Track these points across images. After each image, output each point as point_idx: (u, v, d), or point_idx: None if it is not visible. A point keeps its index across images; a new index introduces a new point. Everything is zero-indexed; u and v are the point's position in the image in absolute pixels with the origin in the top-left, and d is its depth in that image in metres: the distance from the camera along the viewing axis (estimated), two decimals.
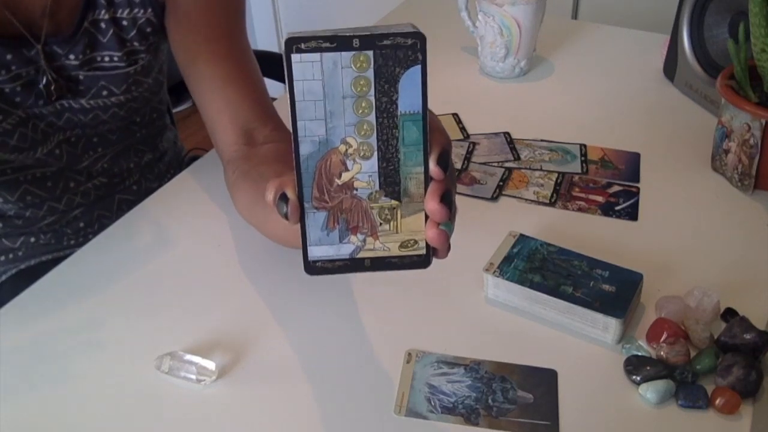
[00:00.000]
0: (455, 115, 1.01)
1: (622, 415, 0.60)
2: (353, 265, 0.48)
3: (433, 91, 1.16)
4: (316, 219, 0.47)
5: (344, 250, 0.48)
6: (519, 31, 1.06)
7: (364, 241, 0.48)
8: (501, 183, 0.87)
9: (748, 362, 0.60)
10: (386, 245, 0.48)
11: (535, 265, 0.69)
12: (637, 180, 0.88)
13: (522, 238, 0.73)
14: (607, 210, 0.83)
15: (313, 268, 0.48)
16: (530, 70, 1.14)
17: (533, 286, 0.67)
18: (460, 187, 0.86)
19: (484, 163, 0.91)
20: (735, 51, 0.83)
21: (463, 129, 0.98)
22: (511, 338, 0.67)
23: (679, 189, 0.86)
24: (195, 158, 0.98)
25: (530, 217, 0.82)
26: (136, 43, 0.82)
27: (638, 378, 0.61)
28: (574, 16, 1.97)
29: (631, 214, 0.82)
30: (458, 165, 0.90)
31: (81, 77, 0.81)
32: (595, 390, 0.62)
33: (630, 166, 0.91)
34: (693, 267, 0.74)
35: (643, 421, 0.59)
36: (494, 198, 0.85)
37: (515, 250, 0.71)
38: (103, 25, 0.80)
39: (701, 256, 0.76)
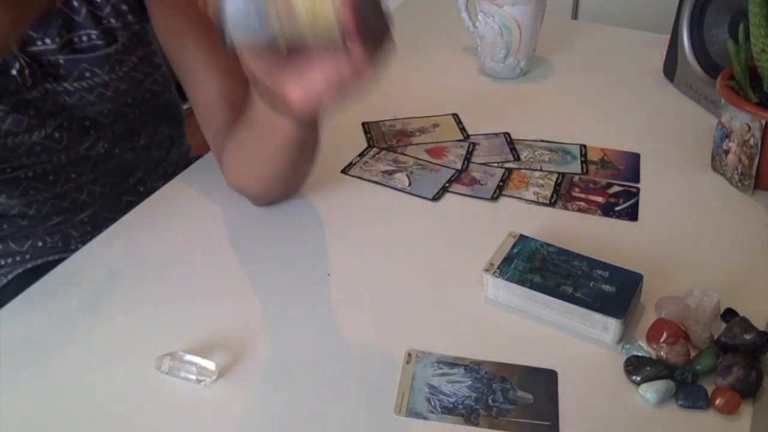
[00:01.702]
0: (455, 115, 1.02)
1: (622, 415, 0.60)
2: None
3: (433, 91, 1.17)
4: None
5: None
6: (519, 31, 1.06)
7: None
8: (501, 183, 0.87)
9: (748, 362, 0.60)
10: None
11: (535, 266, 0.69)
12: (637, 180, 0.88)
13: (522, 239, 0.73)
14: (607, 210, 0.83)
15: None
16: (530, 71, 1.14)
17: (533, 286, 0.67)
18: (460, 188, 0.87)
19: (484, 164, 0.91)
20: (735, 51, 0.83)
21: (463, 129, 0.98)
22: (511, 338, 0.67)
23: (679, 189, 0.86)
24: (197, 157, 0.98)
25: (530, 218, 0.82)
26: (112, 20, 0.81)
27: (638, 378, 0.61)
28: (574, 16, 1.97)
29: (631, 214, 0.82)
30: (458, 165, 0.90)
31: (61, 61, 0.79)
32: (595, 390, 0.62)
33: (630, 166, 0.91)
34: (693, 267, 0.74)
35: (643, 421, 0.59)
36: (494, 198, 0.85)
37: (515, 251, 0.71)
38: (75, 3, 0.78)
39: (701, 256, 0.76)
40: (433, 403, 0.61)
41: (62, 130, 0.84)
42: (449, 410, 0.60)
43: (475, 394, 0.61)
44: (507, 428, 0.59)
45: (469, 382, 0.62)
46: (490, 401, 0.61)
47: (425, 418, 0.60)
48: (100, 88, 0.84)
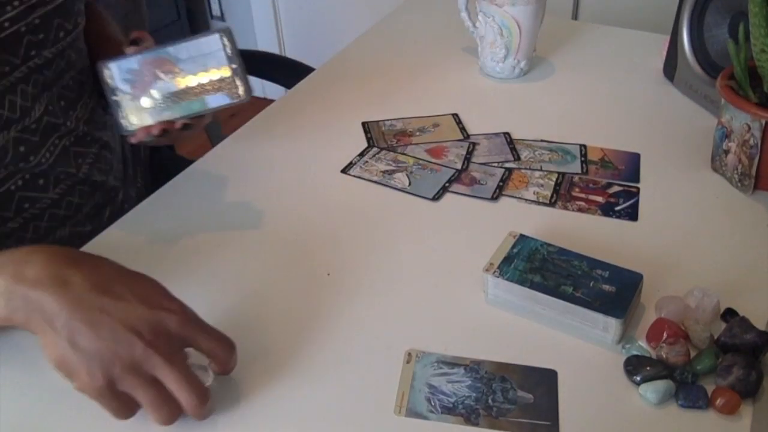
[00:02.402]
0: (455, 115, 1.01)
1: (622, 415, 0.60)
2: None
3: (433, 91, 1.16)
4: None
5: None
6: (519, 31, 1.06)
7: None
8: (501, 183, 0.87)
9: (748, 362, 0.60)
10: None
11: (535, 266, 0.69)
12: (637, 180, 0.88)
13: (522, 239, 0.73)
14: (607, 210, 0.83)
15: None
16: (530, 71, 1.14)
17: (533, 286, 0.67)
18: (460, 187, 0.87)
19: (484, 164, 0.91)
20: (735, 51, 0.83)
21: (463, 129, 0.98)
22: (511, 338, 0.67)
23: (679, 189, 0.86)
24: (188, 162, 0.98)
25: (530, 218, 0.82)
26: None
27: (638, 378, 0.61)
28: (574, 16, 1.97)
29: (631, 214, 0.82)
30: (458, 165, 0.90)
31: (37, 21, 0.76)
32: (595, 390, 0.62)
33: (630, 166, 0.91)
34: (693, 267, 0.74)
35: (643, 421, 0.59)
36: (494, 198, 0.85)
37: (515, 251, 0.71)
38: None
39: (701, 256, 0.76)
40: (433, 403, 0.61)
41: (44, 116, 0.81)
42: (449, 410, 0.60)
43: (475, 394, 0.61)
44: (507, 428, 0.59)
45: (469, 382, 0.62)
46: (490, 401, 0.61)
47: (425, 417, 0.60)
48: (69, 51, 0.81)
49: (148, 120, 0.72)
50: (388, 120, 1.01)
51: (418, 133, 0.97)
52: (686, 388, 0.60)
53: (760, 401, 0.60)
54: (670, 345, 0.63)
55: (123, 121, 0.73)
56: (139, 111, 0.72)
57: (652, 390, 0.60)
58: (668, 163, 0.91)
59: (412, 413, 0.60)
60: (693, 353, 0.63)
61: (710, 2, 0.98)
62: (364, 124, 1.00)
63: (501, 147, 0.94)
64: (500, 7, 1.05)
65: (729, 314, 0.67)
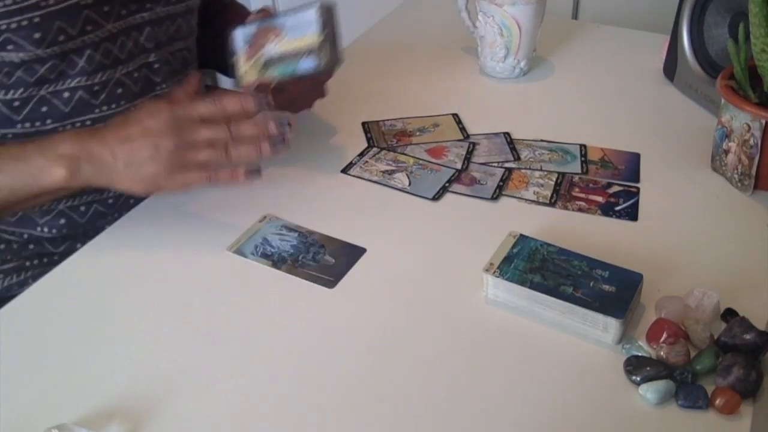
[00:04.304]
0: (455, 115, 1.01)
1: (622, 415, 0.60)
2: None
3: (433, 91, 1.16)
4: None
5: None
6: (519, 31, 1.06)
7: None
8: (501, 183, 0.87)
9: (748, 362, 0.60)
10: None
11: (535, 266, 0.69)
12: (637, 180, 0.88)
13: (522, 239, 0.73)
14: (607, 210, 0.83)
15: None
16: (530, 71, 1.14)
17: (533, 286, 0.67)
18: (460, 187, 0.86)
19: (484, 164, 0.91)
20: (735, 51, 0.83)
21: (463, 129, 0.98)
22: (511, 338, 0.67)
23: (679, 189, 0.86)
24: None
25: (530, 218, 0.82)
26: None
27: (638, 378, 0.61)
28: (574, 16, 1.97)
29: (631, 214, 0.82)
30: (458, 165, 0.90)
31: None
32: (595, 390, 0.62)
33: (630, 166, 0.91)
34: (693, 267, 0.74)
35: (643, 421, 0.59)
36: (494, 198, 0.85)
37: (515, 251, 0.71)
38: None
39: (701, 256, 0.76)
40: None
41: (144, 69, 0.88)
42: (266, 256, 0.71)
43: (293, 251, 0.74)
44: (298, 275, 0.69)
45: (295, 243, 0.75)
46: (301, 257, 0.74)
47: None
48: (180, 20, 0.91)
49: (253, 77, 0.83)
50: (388, 120, 1.01)
51: (418, 133, 0.97)
52: (686, 388, 0.60)
53: (760, 401, 0.60)
54: (670, 345, 0.63)
55: (237, 78, 0.85)
56: (249, 69, 0.84)
57: (652, 390, 0.60)
58: (668, 163, 0.91)
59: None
60: (693, 353, 0.63)
61: (710, 2, 0.98)
62: (364, 124, 1.00)
63: (501, 147, 0.94)
64: (500, 7, 1.05)
65: (729, 314, 0.67)
